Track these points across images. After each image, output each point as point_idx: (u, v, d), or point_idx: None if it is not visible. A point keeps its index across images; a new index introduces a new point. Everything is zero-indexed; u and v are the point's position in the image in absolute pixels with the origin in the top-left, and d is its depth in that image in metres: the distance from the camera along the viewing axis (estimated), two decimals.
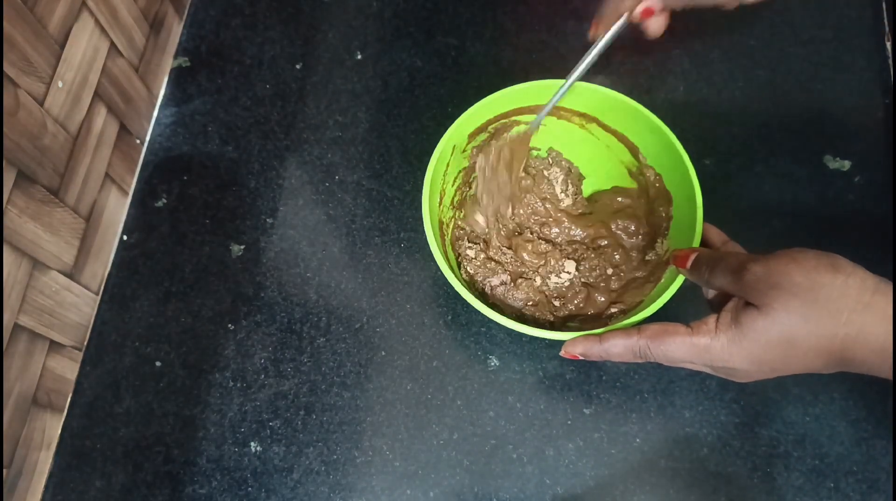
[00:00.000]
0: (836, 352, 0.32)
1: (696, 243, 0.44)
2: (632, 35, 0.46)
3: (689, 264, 0.40)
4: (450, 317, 0.55)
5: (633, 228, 0.53)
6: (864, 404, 0.51)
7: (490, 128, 0.52)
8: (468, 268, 0.53)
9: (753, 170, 0.59)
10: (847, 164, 0.58)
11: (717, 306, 0.38)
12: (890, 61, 0.62)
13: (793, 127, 0.60)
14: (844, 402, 0.51)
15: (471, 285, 0.52)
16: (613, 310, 0.50)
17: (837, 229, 0.56)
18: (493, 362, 0.53)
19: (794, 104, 0.61)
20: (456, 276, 0.44)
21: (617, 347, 0.39)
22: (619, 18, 0.42)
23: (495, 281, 0.52)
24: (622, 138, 0.51)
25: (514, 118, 0.52)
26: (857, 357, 0.32)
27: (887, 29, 0.64)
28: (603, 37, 0.44)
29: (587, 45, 0.45)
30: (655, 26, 0.43)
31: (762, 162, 0.59)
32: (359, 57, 0.65)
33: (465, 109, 0.49)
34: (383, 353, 0.54)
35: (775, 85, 0.62)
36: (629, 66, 0.62)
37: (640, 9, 0.41)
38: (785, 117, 0.61)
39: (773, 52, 0.63)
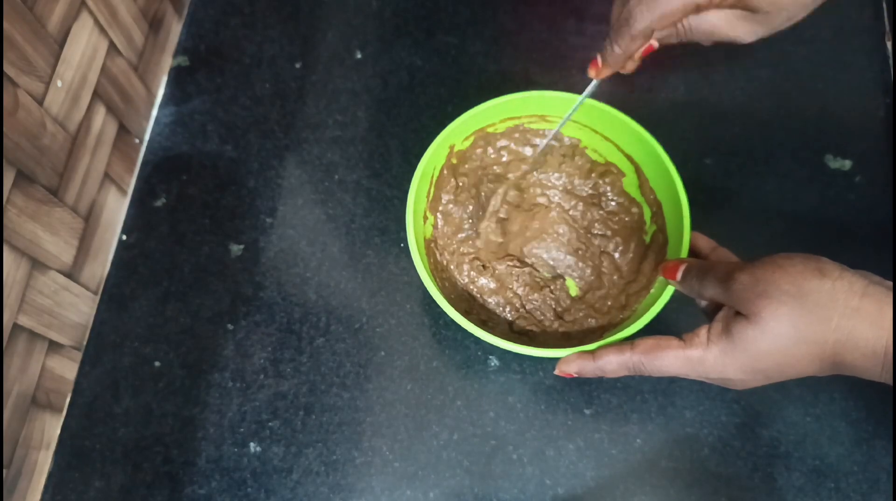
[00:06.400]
0: (827, 358, 0.32)
1: (685, 253, 0.44)
2: None
3: (678, 275, 0.40)
4: (450, 317, 0.54)
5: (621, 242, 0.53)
6: (865, 404, 0.51)
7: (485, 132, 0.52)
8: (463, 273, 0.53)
9: (754, 169, 0.59)
10: (848, 163, 0.58)
11: (711, 314, 0.38)
12: (890, 61, 0.62)
13: (793, 126, 0.60)
14: (845, 402, 0.51)
15: (465, 288, 0.52)
16: (592, 322, 0.50)
17: (838, 228, 0.56)
18: (494, 362, 0.53)
19: (795, 104, 0.61)
20: (444, 295, 0.44)
21: (611, 364, 0.39)
22: (626, 62, 0.42)
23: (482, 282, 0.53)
24: (615, 145, 0.51)
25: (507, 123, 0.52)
26: (848, 362, 0.32)
27: (887, 29, 0.64)
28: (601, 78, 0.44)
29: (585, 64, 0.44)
30: (631, 65, 0.43)
31: (763, 161, 0.59)
32: (358, 56, 0.65)
33: (466, 109, 0.49)
34: (383, 353, 0.54)
35: (776, 84, 0.62)
36: None
37: (640, 51, 0.41)
38: (785, 117, 0.60)
39: (773, 51, 0.63)
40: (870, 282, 0.32)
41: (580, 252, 0.54)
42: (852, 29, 0.64)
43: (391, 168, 0.60)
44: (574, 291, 0.53)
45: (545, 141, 0.52)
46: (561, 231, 0.55)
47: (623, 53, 0.41)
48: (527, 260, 0.54)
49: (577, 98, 0.49)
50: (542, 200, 0.55)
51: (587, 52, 0.65)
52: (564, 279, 0.53)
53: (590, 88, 0.45)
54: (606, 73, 0.43)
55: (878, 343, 0.30)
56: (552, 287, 0.53)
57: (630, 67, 0.43)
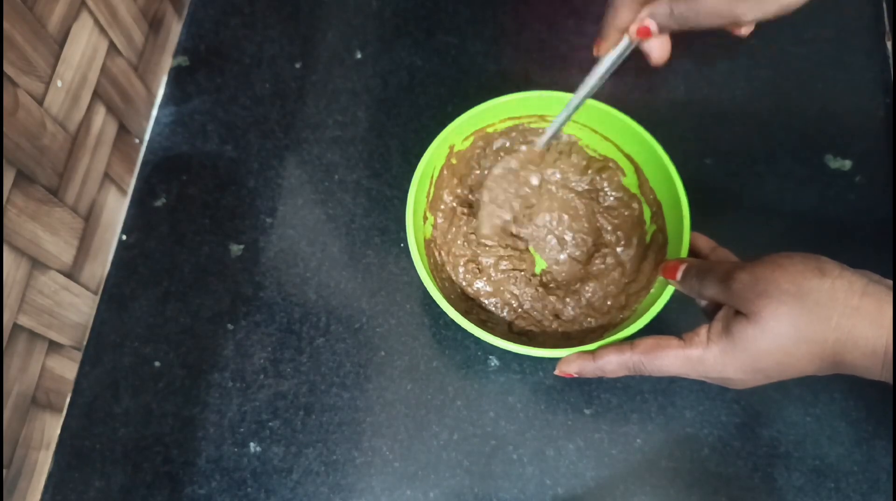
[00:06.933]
0: (827, 357, 0.32)
1: (684, 253, 0.44)
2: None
3: (678, 275, 0.40)
4: (450, 317, 0.54)
5: (622, 238, 0.53)
6: (865, 404, 0.51)
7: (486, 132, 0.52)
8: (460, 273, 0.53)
9: (754, 169, 0.59)
10: (848, 163, 0.58)
11: (710, 314, 0.38)
12: (890, 61, 0.62)
13: (793, 126, 0.60)
14: (845, 402, 0.51)
15: (464, 290, 0.52)
16: (592, 322, 0.50)
17: (838, 228, 0.56)
18: (493, 362, 0.53)
19: (795, 103, 0.61)
20: (444, 295, 0.44)
21: (611, 364, 0.39)
22: (620, 36, 0.41)
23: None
24: (615, 145, 0.51)
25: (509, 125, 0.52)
26: (848, 361, 0.32)
27: (887, 28, 0.63)
28: (607, 56, 0.42)
29: (593, 61, 0.43)
30: (657, 52, 0.41)
31: (763, 161, 0.59)
32: (358, 56, 0.65)
33: (466, 109, 0.49)
34: (383, 353, 0.54)
35: (776, 84, 0.62)
36: (630, 65, 0.62)
37: (634, 28, 0.40)
38: (786, 117, 0.60)
39: (773, 51, 0.63)
40: (869, 281, 0.32)
41: (578, 237, 0.54)
42: (852, 29, 0.64)
43: (391, 168, 0.60)
44: (542, 264, 0.54)
45: (553, 127, 0.49)
46: (558, 216, 0.55)
47: (613, 27, 0.40)
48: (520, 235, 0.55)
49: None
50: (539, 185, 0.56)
51: (587, 52, 0.64)
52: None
53: (603, 65, 0.43)
54: (604, 48, 0.42)
55: (878, 342, 0.30)
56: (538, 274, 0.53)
57: (657, 56, 0.41)
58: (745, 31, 0.39)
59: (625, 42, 0.41)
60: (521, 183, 0.53)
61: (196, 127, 0.62)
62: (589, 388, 0.52)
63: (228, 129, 0.62)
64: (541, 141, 0.51)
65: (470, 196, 0.55)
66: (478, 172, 0.55)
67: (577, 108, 0.47)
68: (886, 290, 0.31)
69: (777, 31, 0.64)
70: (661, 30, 0.39)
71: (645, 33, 0.39)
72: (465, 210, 0.54)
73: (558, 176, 0.55)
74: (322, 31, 0.66)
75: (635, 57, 0.43)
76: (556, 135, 0.50)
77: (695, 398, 0.51)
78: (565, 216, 0.55)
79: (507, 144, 0.54)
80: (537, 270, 0.54)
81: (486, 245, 0.53)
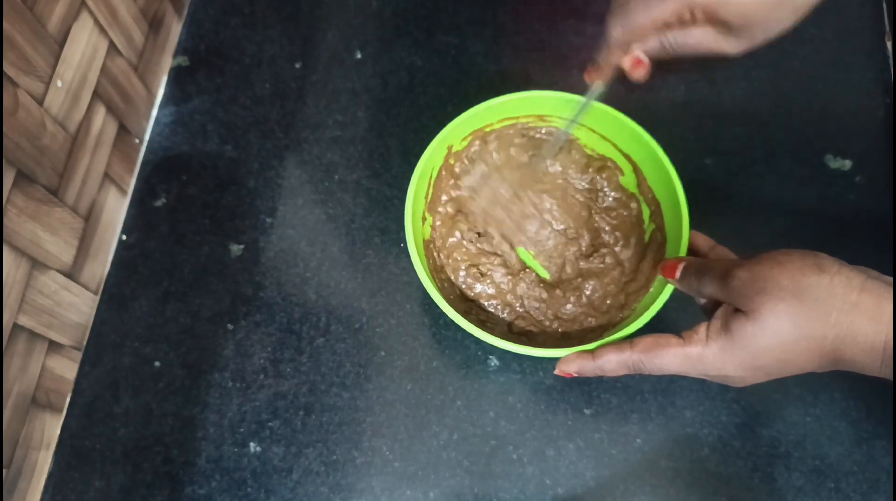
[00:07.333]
0: (827, 353, 0.32)
1: (683, 251, 0.44)
2: None
3: (677, 274, 0.40)
4: (449, 317, 0.54)
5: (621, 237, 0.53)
6: (865, 404, 0.51)
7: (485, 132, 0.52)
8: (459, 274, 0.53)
9: (754, 169, 0.59)
10: (848, 163, 0.58)
11: (709, 312, 0.38)
12: (890, 61, 0.62)
13: (793, 126, 0.60)
14: (845, 402, 0.51)
15: (463, 293, 0.52)
16: (591, 321, 0.50)
17: (838, 228, 0.56)
18: (493, 362, 0.53)
19: (795, 104, 0.61)
20: (444, 296, 0.44)
21: (611, 363, 0.39)
22: (612, 70, 0.44)
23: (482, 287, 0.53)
24: (613, 144, 0.51)
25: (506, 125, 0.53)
26: (847, 357, 0.32)
27: (887, 28, 0.64)
28: (599, 85, 0.45)
29: (592, 61, 0.46)
30: (639, 74, 0.43)
31: (763, 161, 0.59)
32: (358, 56, 0.65)
33: (466, 109, 0.49)
34: (383, 353, 0.54)
35: (776, 84, 0.62)
36: None
37: (629, 61, 0.42)
38: (786, 117, 0.60)
39: (773, 51, 0.62)
40: (868, 277, 0.32)
41: (572, 236, 0.54)
42: (852, 29, 0.64)
43: (391, 168, 0.60)
44: (544, 274, 0.53)
45: (558, 137, 0.52)
46: (556, 215, 0.55)
47: (606, 63, 0.43)
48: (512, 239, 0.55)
49: (573, 98, 0.49)
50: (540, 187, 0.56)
51: (587, 52, 0.64)
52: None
53: (594, 91, 0.46)
54: (598, 79, 0.45)
55: (878, 338, 0.30)
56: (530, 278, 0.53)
57: (637, 75, 0.43)
58: (730, 56, 0.41)
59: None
60: (516, 202, 0.55)
61: (196, 127, 0.62)
62: (589, 388, 0.52)
63: (228, 129, 0.62)
64: (537, 161, 0.54)
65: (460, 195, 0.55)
66: (466, 165, 0.55)
67: (571, 126, 0.50)
68: (885, 286, 0.31)
69: None
70: (651, 58, 0.42)
71: (638, 64, 0.42)
72: (464, 218, 0.54)
73: (558, 169, 0.55)
74: (322, 31, 0.66)
75: None
76: (553, 152, 0.53)
77: (695, 397, 0.51)
78: (557, 206, 0.55)
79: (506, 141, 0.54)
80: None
81: (485, 250, 0.53)
